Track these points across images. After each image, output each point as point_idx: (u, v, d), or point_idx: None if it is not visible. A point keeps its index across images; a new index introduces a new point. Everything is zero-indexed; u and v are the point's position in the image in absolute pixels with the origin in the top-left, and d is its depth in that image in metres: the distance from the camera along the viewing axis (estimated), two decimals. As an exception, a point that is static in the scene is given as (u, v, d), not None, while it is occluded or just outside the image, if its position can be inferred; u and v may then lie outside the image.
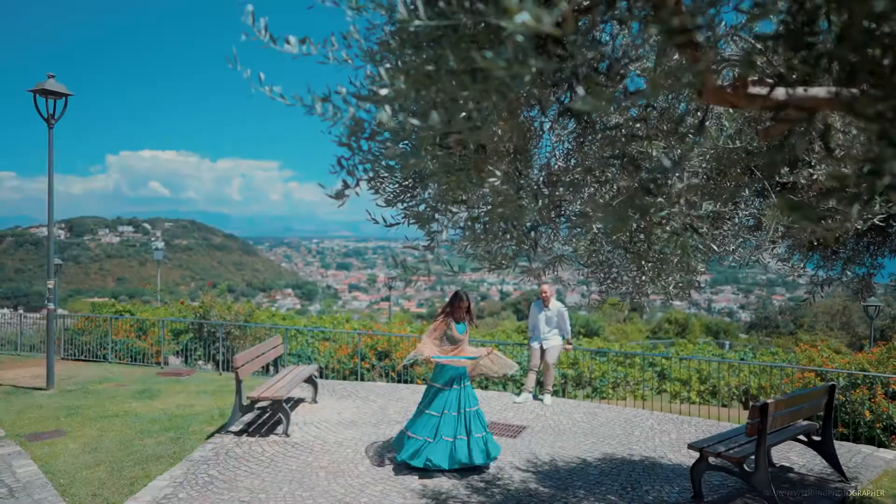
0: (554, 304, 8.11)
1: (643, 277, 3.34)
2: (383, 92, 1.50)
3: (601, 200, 2.43)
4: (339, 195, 1.74)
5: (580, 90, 1.02)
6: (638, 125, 1.76)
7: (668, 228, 3.01)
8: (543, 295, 8.13)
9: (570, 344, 8.40)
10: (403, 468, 5.36)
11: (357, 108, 1.57)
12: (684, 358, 11.51)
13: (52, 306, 8.78)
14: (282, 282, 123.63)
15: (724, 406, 10.22)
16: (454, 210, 2.14)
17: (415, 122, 1.37)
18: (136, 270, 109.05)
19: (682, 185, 1.79)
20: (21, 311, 16.90)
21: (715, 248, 3.47)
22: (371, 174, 1.73)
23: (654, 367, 12.04)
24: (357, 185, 1.74)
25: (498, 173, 1.90)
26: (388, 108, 1.47)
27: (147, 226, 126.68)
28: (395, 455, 5.50)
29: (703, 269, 3.58)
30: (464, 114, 1.53)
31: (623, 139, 1.61)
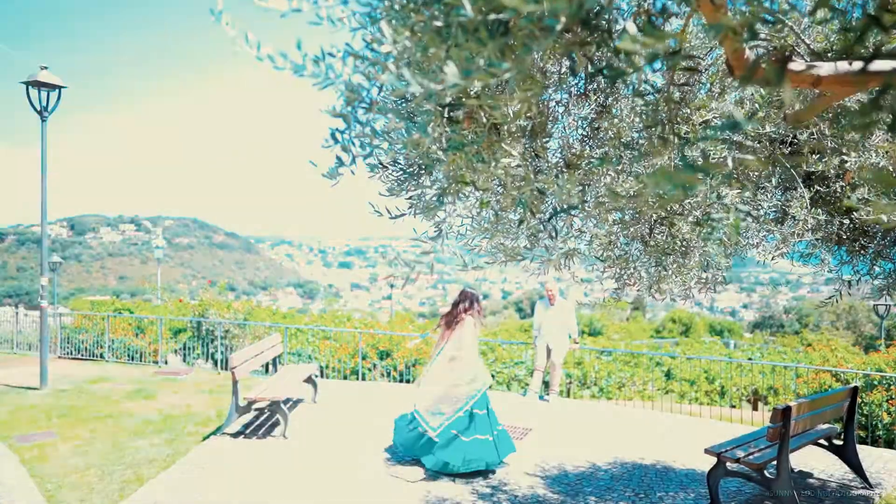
0: (560, 302, 7.88)
1: (663, 272, 3.12)
2: (386, 49, 1.27)
3: (621, 188, 2.20)
4: (331, 174, 1.52)
5: (630, 27, 0.79)
6: (675, 89, 1.54)
7: (689, 219, 2.78)
8: (549, 293, 7.90)
9: (577, 343, 8.15)
10: (406, 471, 5.14)
11: (355, 69, 1.35)
12: (692, 357, 11.27)
13: (44, 303, 8.58)
14: (283, 280, 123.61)
15: (733, 407, 9.99)
16: (464, 194, 1.92)
17: (428, 83, 1.15)
18: (138, 269, 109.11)
19: (731, 164, 1.57)
20: (20, 309, 16.70)
21: (741, 240, 3.25)
22: (368, 150, 1.50)
23: (661, 366, 11.81)
24: (353, 162, 1.52)
25: (515, 153, 1.68)
26: (392, 66, 1.24)
27: (148, 224, 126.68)
28: (442, 464, 5.03)
29: (727, 264, 3.35)
30: (478, 83, 1.31)
31: (663, 103, 1.38)
